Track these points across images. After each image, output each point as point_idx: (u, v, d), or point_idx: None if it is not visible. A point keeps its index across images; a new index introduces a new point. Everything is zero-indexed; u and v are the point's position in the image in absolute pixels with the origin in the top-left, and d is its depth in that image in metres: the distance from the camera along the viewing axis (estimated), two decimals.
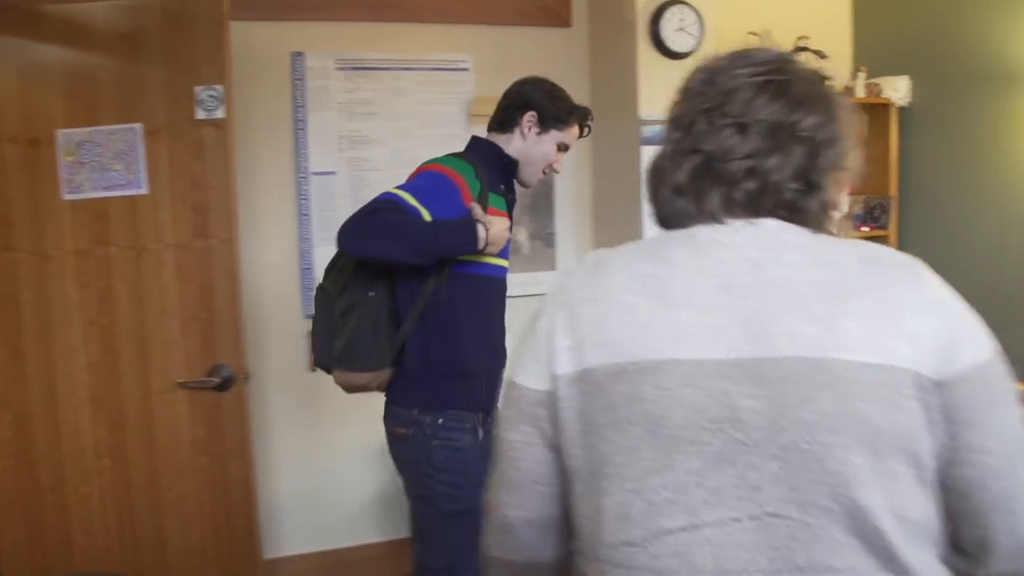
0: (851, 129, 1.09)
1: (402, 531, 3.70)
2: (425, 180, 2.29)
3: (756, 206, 1.05)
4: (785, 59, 1.09)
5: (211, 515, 2.69)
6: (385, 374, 2.33)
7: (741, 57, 1.09)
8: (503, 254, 2.38)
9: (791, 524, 0.93)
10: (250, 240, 3.29)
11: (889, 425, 0.93)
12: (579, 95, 3.77)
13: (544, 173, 2.51)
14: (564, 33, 3.84)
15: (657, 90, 3.36)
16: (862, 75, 4.08)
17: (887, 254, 1.03)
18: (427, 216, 2.19)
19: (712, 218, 1.06)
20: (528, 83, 2.49)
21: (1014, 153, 3.59)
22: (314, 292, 2.45)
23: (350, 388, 2.39)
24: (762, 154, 1.03)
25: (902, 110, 4.09)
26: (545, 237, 3.92)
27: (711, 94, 1.07)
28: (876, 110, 4.13)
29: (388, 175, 3.57)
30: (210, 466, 2.67)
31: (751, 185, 1.04)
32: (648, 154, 3.39)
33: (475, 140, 2.50)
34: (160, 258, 2.60)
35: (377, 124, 3.57)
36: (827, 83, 1.10)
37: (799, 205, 1.05)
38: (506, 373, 1.17)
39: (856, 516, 0.93)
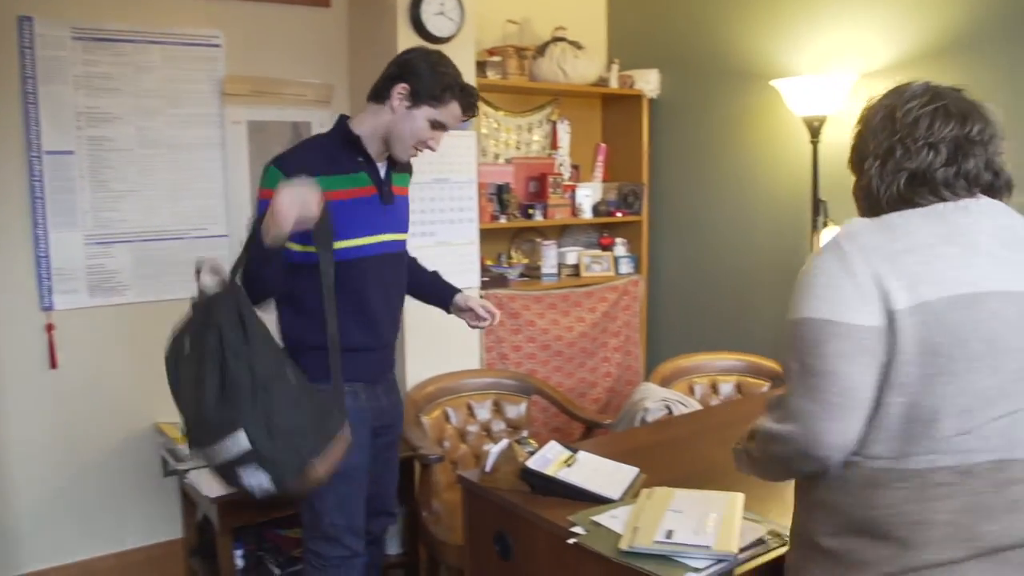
0: (998, 122, 1.47)
1: (163, 534, 3.53)
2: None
3: (969, 195, 1.43)
4: (933, 86, 1.47)
5: None
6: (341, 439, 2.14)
7: (898, 93, 1.47)
8: (374, 229, 2.34)
9: None
10: None
11: None
12: (338, 77, 3.72)
13: (418, 150, 2.37)
14: (323, 13, 3.73)
15: None
16: (616, 67, 4.26)
17: None
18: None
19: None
20: (414, 53, 2.35)
21: (750, 144, 3.87)
22: (169, 361, 2.03)
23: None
24: (959, 162, 1.41)
25: (652, 101, 4.31)
26: None
27: (895, 128, 1.44)
28: (629, 101, 4.33)
29: (135, 156, 3.35)
30: None
31: (960, 184, 1.42)
32: None
33: (339, 120, 2.40)
34: None
35: (120, 100, 3.31)
36: (966, 93, 1.47)
37: (996, 189, 1.46)
38: (818, 315, 1.37)
39: None
